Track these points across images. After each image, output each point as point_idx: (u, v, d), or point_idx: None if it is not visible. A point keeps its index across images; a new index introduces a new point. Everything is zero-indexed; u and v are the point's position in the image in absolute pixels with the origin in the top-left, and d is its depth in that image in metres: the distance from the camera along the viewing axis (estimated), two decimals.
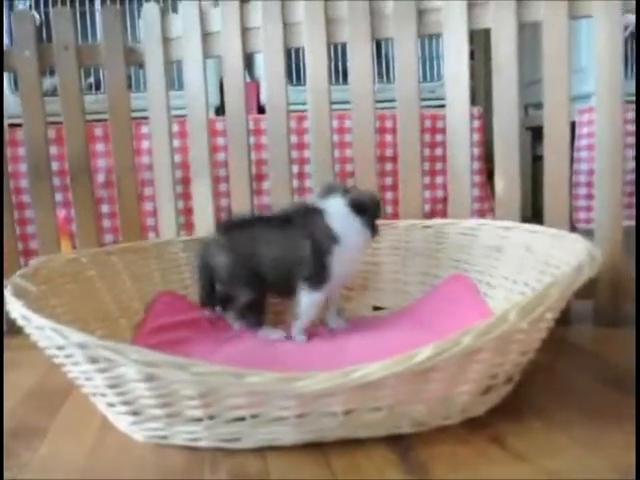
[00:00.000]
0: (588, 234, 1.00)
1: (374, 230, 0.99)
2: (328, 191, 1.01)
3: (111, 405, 0.69)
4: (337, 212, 0.97)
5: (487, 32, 1.10)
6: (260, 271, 0.97)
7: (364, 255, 1.06)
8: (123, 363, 0.60)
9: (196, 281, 1.04)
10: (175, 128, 1.21)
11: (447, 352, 0.59)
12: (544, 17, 1.05)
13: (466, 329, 0.60)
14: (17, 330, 0.70)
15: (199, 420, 0.65)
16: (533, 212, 2.35)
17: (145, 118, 1.37)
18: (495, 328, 0.61)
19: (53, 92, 1.58)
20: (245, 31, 1.17)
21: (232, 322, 1.04)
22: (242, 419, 0.64)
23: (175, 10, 1.22)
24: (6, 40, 1.80)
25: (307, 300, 0.98)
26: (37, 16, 1.83)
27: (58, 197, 1.49)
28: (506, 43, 1.07)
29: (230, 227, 1.01)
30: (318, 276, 0.96)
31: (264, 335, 1.00)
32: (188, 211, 1.76)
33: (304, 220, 0.98)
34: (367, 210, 0.97)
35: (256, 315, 1.01)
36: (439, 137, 2.05)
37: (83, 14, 1.95)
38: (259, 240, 0.98)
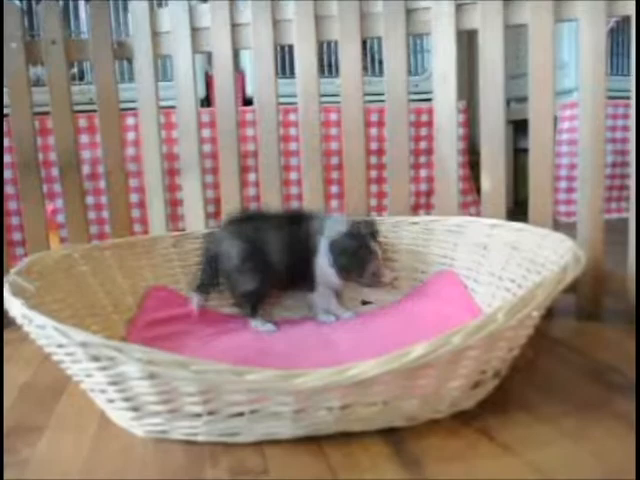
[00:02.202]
0: (568, 227, 1.04)
1: (342, 274, 1.03)
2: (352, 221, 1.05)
3: (111, 401, 0.71)
4: (329, 235, 1.01)
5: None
6: (267, 262, 1.00)
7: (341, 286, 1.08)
8: (125, 362, 0.62)
9: (199, 269, 1.06)
10: (161, 120, 1.23)
11: (439, 350, 0.62)
12: (530, 20, 1.07)
13: (457, 328, 0.63)
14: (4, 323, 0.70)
15: (199, 416, 0.67)
16: (515, 202, 2.39)
17: (130, 109, 1.37)
18: (485, 327, 0.63)
19: (36, 82, 1.58)
20: (235, 27, 1.17)
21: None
22: (241, 414, 0.66)
23: (161, 5, 1.22)
24: None
25: (316, 297, 1.05)
26: (18, 3, 1.81)
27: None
28: (493, 45, 1.09)
29: (241, 218, 1.05)
30: (310, 281, 1.03)
31: (255, 326, 1.03)
32: (174, 202, 1.77)
33: (306, 224, 1.03)
34: (339, 256, 1.01)
35: (252, 305, 1.04)
36: (423, 131, 2.08)
37: (66, 3, 1.93)
38: (269, 234, 1.01)
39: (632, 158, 1.05)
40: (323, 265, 1.02)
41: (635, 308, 1.04)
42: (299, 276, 1.03)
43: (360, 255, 1.01)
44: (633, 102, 1.04)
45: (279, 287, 1.06)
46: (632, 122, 1.04)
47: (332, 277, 1.03)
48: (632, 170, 1.06)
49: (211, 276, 1.05)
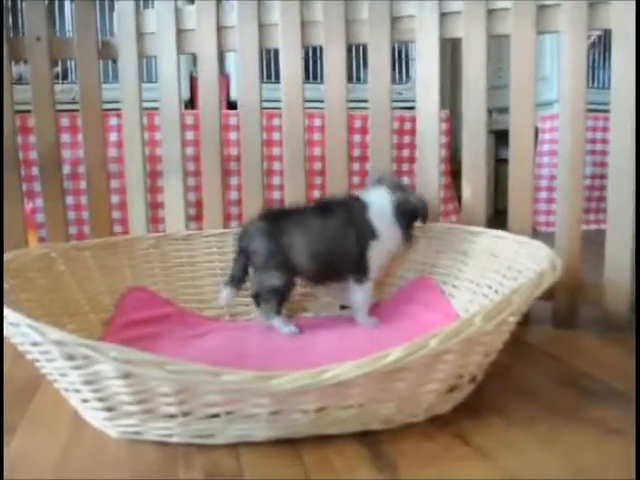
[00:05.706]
0: (547, 237, 1.05)
1: (408, 237, 1.04)
2: (378, 182, 1.06)
3: (85, 401, 0.70)
4: (380, 209, 1.02)
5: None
6: (295, 259, 1.00)
7: (396, 253, 1.09)
8: (101, 360, 0.61)
9: (233, 261, 1.05)
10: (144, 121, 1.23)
11: (416, 353, 0.62)
12: (513, 31, 1.08)
13: (434, 332, 0.63)
14: None
15: (174, 416, 0.66)
16: (495, 211, 2.42)
17: (112, 110, 1.36)
18: (462, 331, 0.64)
19: (17, 80, 1.56)
20: (221, 30, 1.17)
21: (264, 318, 1.05)
22: (216, 416, 0.66)
23: (148, 5, 1.22)
24: None
25: (361, 293, 1.03)
26: None
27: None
28: (476, 54, 1.11)
29: (272, 215, 1.03)
30: (363, 269, 1.02)
31: (278, 325, 1.03)
32: (155, 204, 1.76)
33: (346, 211, 1.02)
34: (408, 217, 1.03)
35: (276, 302, 1.03)
36: (406, 139, 2.09)
37: (51, 2, 1.92)
38: (301, 229, 1.00)
39: (611, 170, 1.07)
40: (386, 230, 1.02)
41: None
42: (342, 267, 1.02)
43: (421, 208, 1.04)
44: (613, 115, 1.05)
45: (314, 281, 1.05)
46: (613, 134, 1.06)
47: (396, 241, 1.04)
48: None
49: (242, 271, 1.04)
